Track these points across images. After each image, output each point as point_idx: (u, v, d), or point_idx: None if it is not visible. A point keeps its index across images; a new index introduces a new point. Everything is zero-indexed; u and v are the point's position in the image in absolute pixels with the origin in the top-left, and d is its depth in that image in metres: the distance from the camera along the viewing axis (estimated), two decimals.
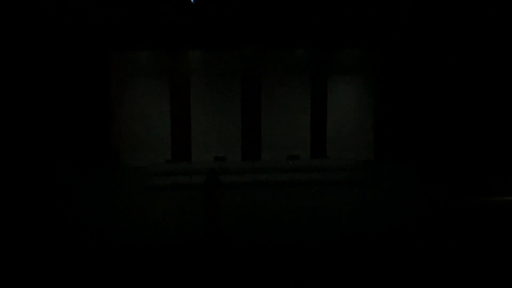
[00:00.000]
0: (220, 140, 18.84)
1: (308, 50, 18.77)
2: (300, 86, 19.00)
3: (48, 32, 16.02)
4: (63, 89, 17.04)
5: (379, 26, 18.04)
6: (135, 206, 14.75)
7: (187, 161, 18.26)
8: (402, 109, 18.92)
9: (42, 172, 15.01)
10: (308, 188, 16.28)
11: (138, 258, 10.92)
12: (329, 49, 18.68)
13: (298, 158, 18.25)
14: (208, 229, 12.08)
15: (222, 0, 16.97)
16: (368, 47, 18.75)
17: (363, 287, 9.51)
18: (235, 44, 18.17)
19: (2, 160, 14.23)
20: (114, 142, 18.62)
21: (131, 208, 14.58)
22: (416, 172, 17.67)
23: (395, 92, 18.89)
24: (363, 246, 11.54)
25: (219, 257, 10.87)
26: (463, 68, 18.41)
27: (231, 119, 18.81)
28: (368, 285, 9.55)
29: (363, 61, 19.13)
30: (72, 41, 16.96)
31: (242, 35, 18.03)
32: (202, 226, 12.30)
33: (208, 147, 18.66)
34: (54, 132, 16.52)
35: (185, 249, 11.38)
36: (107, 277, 10.07)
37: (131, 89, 18.61)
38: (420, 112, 18.83)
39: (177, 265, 10.51)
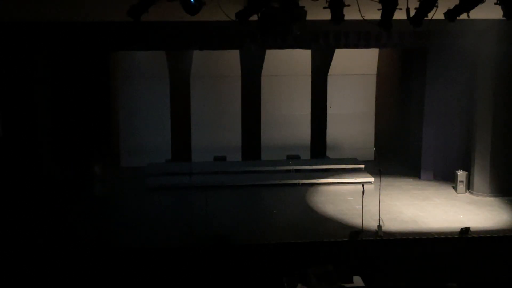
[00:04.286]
0: (220, 140, 18.82)
1: (308, 49, 18.72)
2: (300, 86, 18.97)
3: (48, 32, 16.01)
4: (62, 89, 17.04)
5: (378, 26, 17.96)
6: (134, 205, 14.89)
7: (187, 161, 18.25)
8: (402, 109, 18.87)
9: (41, 172, 15.06)
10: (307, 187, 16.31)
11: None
12: (329, 49, 18.63)
13: (298, 158, 18.24)
14: None
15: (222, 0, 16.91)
16: (368, 46, 18.67)
17: None
18: (235, 44, 18.09)
19: (2, 161, 14.28)
20: (114, 142, 18.63)
21: (129, 207, 14.72)
22: (416, 171, 17.59)
23: (395, 91, 18.86)
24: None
25: None
26: None
27: (231, 119, 18.79)
28: None
29: (363, 61, 19.08)
30: (72, 41, 16.94)
31: (242, 35, 17.97)
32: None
33: (208, 147, 18.64)
34: (54, 132, 16.54)
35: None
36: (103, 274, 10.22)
37: (131, 89, 18.61)
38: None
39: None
